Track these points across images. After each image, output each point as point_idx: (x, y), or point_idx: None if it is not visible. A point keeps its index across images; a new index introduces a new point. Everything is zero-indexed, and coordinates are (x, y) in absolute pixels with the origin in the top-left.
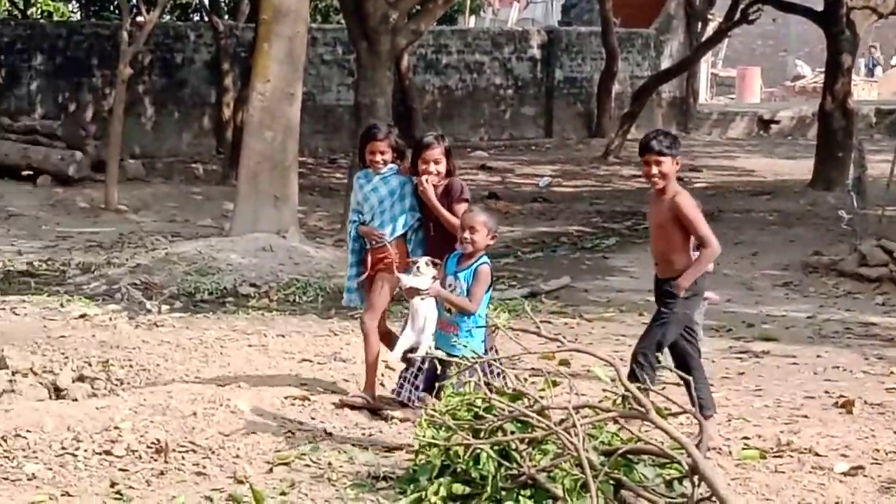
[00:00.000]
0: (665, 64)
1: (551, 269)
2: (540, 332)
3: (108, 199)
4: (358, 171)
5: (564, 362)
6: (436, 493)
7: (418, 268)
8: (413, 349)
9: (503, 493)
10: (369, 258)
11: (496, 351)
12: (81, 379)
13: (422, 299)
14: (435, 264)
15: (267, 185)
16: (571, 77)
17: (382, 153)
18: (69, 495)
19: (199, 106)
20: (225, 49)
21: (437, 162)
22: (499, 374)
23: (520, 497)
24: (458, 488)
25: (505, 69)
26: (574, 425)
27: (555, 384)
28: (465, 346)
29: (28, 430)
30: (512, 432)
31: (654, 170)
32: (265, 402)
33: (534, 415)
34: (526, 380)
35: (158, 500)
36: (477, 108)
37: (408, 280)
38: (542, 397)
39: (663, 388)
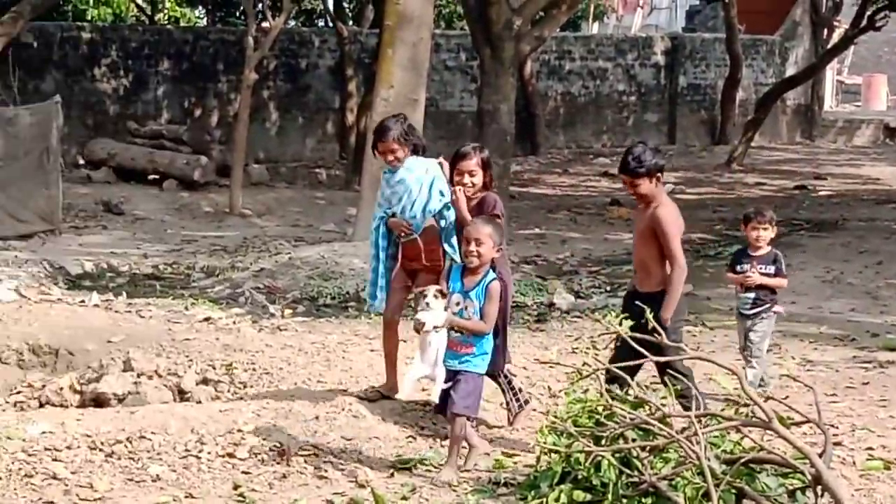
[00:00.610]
0: (790, 71)
1: None
2: (661, 340)
3: (233, 203)
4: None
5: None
6: (556, 500)
7: (427, 302)
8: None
9: (624, 500)
10: (401, 252)
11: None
12: (205, 382)
13: (436, 332)
14: (443, 294)
15: None
16: (695, 84)
17: (394, 152)
18: (192, 497)
19: (323, 111)
20: (349, 55)
21: (471, 174)
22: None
23: None
24: (579, 495)
25: (628, 75)
26: (696, 433)
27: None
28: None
29: (152, 432)
30: (633, 440)
31: (633, 190)
32: (387, 406)
33: (656, 422)
34: (647, 387)
35: (280, 503)
36: (599, 114)
37: (421, 316)
38: (663, 405)
39: (786, 398)
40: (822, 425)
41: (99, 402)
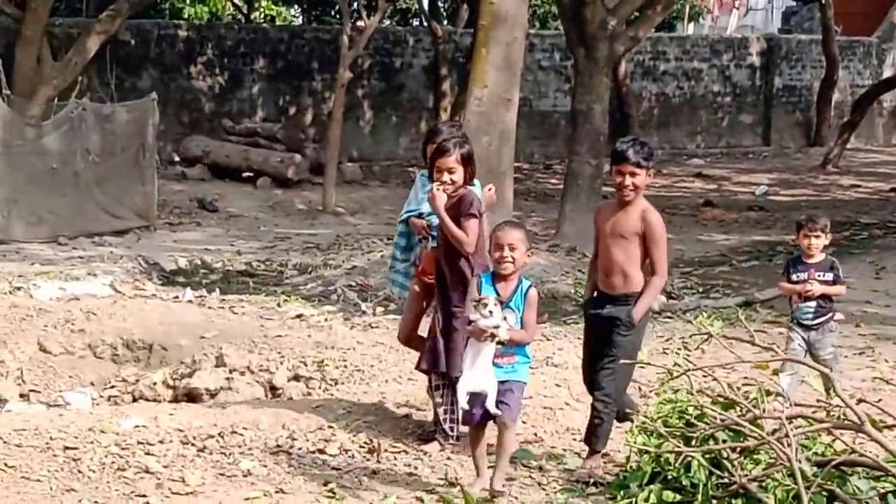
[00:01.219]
0: (887, 73)
1: (766, 279)
2: (754, 342)
3: (326, 201)
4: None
5: (778, 372)
6: (646, 500)
7: (490, 310)
8: (479, 393)
9: (714, 501)
10: (422, 258)
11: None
12: (297, 378)
13: (492, 342)
14: (501, 303)
15: None
16: (790, 85)
17: (451, 172)
18: (283, 492)
19: (417, 110)
20: (443, 54)
21: (451, 171)
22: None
23: None
24: (669, 496)
25: (723, 76)
26: (787, 435)
27: (768, 394)
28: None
29: (244, 428)
30: (724, 441)
31: (628, 181)
32: None
33: (746, 424)
34: (739, 388)
35: (371, 499)
36: (694, 115)
37: (484, 322)
38: (754, 406)
39: (879, 401)
40: None
41: (191, 397)
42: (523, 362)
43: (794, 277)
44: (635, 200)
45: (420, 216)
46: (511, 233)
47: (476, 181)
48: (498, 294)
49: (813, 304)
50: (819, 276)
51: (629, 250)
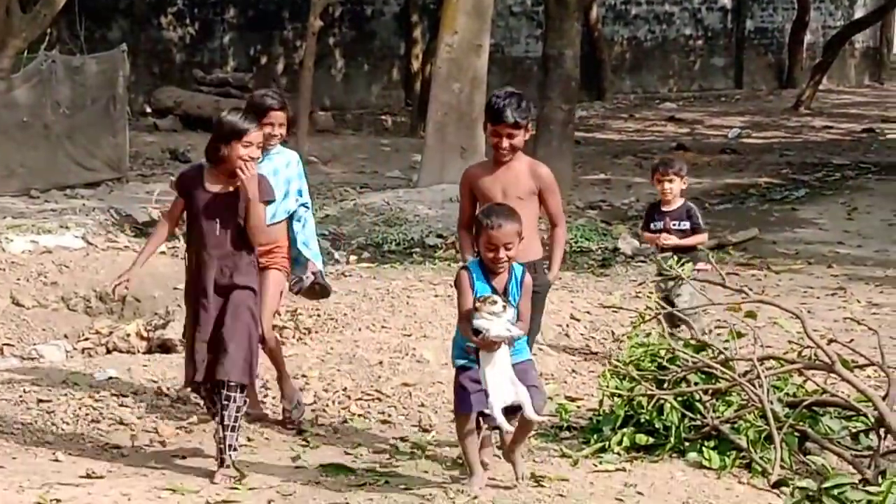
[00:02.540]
0: (859, 13)
1: (739, 221)
2: (725, 284)
3: (299, 149)
4: None
5: (750, 314)
6: (619, 443)
7: (496, 311)
8: (515, 406)
9: (686, 443)
10: None
11: None
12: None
13: (508, 346)
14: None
15: (454, 137)
16: (762, 27)
17: (282, 125)
18: (257, 442)
19: (389, 58)
20: (414, 1)
21: (259, 146)
22: None
23: (703, 448)
24: (642, 438)
25: (695, 19)
26: (759, 377)
27: (739, 336)
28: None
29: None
30: (696, 383)
31: (506, 143)
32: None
33: (718, 366)
34: (711, 331)
35: (344, 448)
36: (666, 59)
37: (495, 332)
38: (726, 349)
39: (850, 341)
40: (885, 368)
41: (165, 348)
42: (524, 340)
43: (652, 226)
44: (517, 158)
45: None
46: (506, 228)
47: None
48: (494, 289)
49: (669, 253)
50: (675, 224)
51: (527, 213)
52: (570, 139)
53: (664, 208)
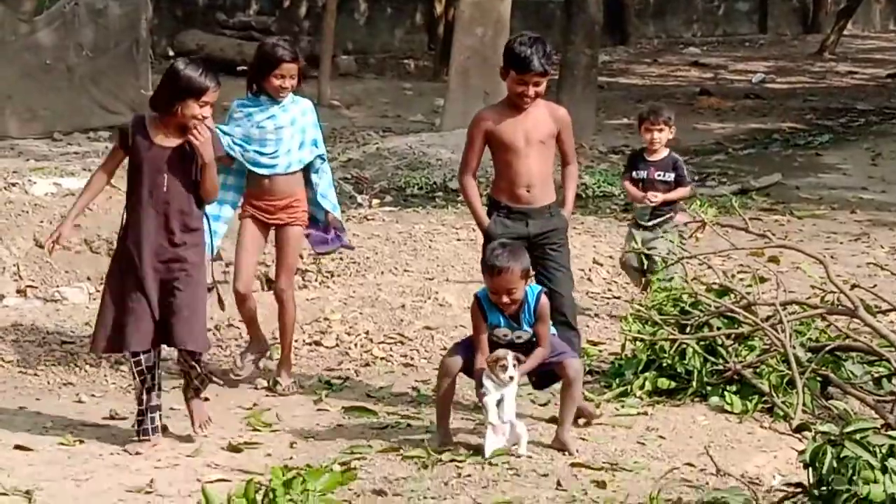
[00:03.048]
0: None
1: (762, 166)
2: (748, 229)
3: (321, 94)
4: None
5: (773, 259)
6: (641, 387)
7: (503, 380)
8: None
9: (709, 388)
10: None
11: None
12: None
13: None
14: (518, 360)
15: (477, 81)
16: None
17: (293, 77)
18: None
19: (412, 1)
20: None
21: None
22: None
23: (725, 392)
24: (664, 382)
25: None
26: (781, 321)
27: (762, 280)
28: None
29: (240, 320)
30: (718, 328)
31: (531, 91)
32: (472, 294)
33: (741, 311)
34: (733, 276)
35: (367, 389)
36: (690, 3)
37: (491, 404)
38: (749, 293)
39: (874, 286)
40: None
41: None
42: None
43: (634, 175)
44: (539, 102)
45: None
46: (512, 273)
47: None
48: (504, 319)
49: (649, 207)
50: (659, 175)
51: (547, 156)
52: (594, 84)
53: (649, 157)
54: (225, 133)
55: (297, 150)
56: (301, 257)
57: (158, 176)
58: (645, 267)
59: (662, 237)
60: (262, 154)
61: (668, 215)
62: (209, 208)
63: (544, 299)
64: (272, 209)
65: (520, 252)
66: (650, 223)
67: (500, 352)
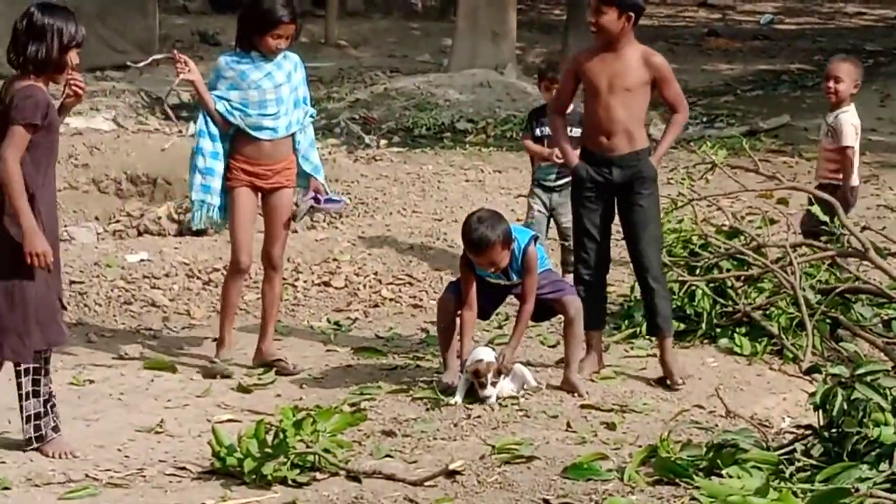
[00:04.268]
0: None
1: (771, 108)
2: (758, 170)
3: (328, 34)
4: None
5: (783, 201)
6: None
7: (487, 395)
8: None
9: (718, 329)
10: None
11: None
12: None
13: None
14: (500, 372)
15: (485, 21)
16: None
17: (290, 37)
18: (289, 325)
19: None
20: None
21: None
22: None
23: (735, 334)
24: (673, 324)
25: None
26: (791, 263)
27: (772, 222)
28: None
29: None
30: (728, 270)
31: (593, 18)
32: None
33: (750, 252)
34: (743, 217)
35: (376, 330)
36: None
37: (503, 388)
38: (759, 235)
39: (883, 228)
40: None
41: (197, 231)
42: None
43: (538, 132)
44: (626, 44)
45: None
46: (492, 247)
47: None
48: (491, 275)
49: (554, 167)
50: (567, 130)
51: (634, 105)
52: None
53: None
54: (220, 98)
55: (294, 109)
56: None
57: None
58: (560, 235)
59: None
60: (265, 116)
61: None
62: (213, 182)
63: (531, 250)
64: (269, 174)
65: (498, 221)
66: (556, 183)
67: (481, 366)
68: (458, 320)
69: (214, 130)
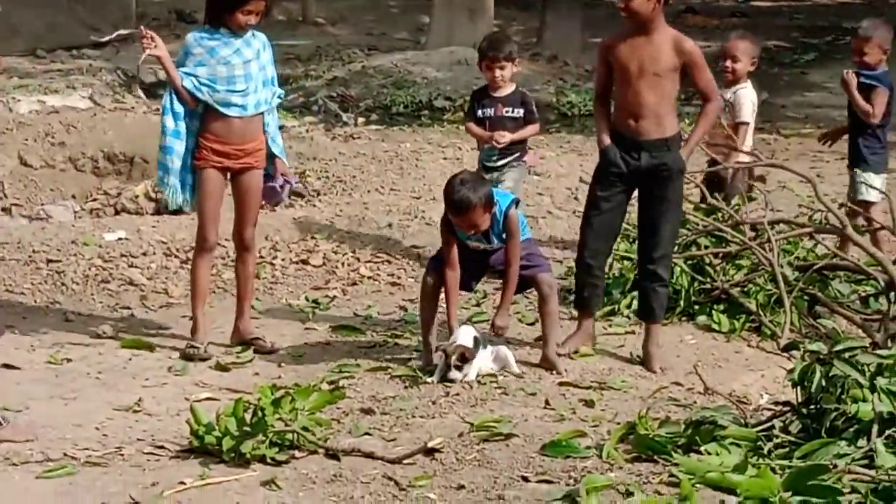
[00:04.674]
0: None
1: None
2: (736, 148)
3: (306, 11)
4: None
5: (761, 178)
6: (628, 306)
7: (454, 378)
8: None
9: (696, 307)
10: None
11: None
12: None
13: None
14: (467, 356)
15: None
16: None
17: (260, 13)
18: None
19: None
20: None
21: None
22: None
23: (713, 311)
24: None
25: None
26: (769, 240)
27: (750, 199)
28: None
29: (226, 239)
30: (706, 247)
31: (622, 3)
32: None
33: (728, 229)
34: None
35: (354, 308)
36: None
37: (481, 365)
38: (737, 212)
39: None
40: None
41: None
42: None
43: (480, 114)
44: (657, 27)
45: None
46: (473, 210)
47: None
48: (472, 238)
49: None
50: (507, 112)
51: (664, 90)
52: (579, 1)
53: (494, 94)
54: (188, 74)
55: (263, 88)
56: (304, 173)
57: None
58: None
59: (509, 172)
60: (234, 93)
61: (517, 154)
62: (171, 162)
63: (512, 213)
64: (240, 153)
65: (480, 184)
66: (498, 163)
67: (455, 348)
68: (439, 302)
69: (179, 108)
